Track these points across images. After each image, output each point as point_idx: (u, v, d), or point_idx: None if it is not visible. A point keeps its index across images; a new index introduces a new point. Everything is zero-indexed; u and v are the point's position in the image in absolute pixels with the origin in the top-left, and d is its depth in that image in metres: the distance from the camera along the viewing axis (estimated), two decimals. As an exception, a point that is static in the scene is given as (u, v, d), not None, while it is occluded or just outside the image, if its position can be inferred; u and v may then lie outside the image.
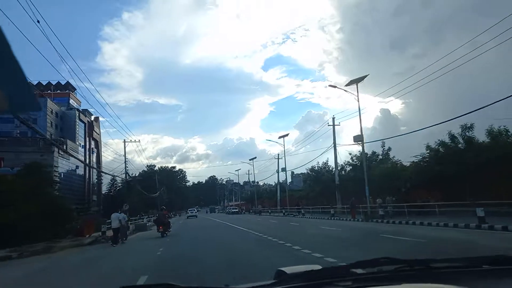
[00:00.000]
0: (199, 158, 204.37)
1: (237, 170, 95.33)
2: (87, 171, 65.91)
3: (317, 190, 42.88)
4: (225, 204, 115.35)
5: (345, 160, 39.13)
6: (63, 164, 56.28)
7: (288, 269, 1.53)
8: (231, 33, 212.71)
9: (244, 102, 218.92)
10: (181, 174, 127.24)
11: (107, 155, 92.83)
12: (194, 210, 67.92)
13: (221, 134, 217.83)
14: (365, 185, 27.49)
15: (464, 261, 1.55)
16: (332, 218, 30.98)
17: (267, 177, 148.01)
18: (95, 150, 73.96)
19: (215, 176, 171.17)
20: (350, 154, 37.46)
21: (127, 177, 45.54)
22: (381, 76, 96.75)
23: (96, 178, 70.31)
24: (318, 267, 1.53)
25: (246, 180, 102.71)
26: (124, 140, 43.94)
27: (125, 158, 43.31)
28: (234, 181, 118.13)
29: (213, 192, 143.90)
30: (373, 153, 36.49)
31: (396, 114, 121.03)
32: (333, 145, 36.96)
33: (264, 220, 34.80)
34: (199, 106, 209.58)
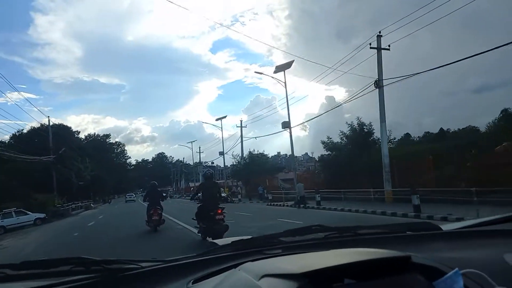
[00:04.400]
0: (144, 140, 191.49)
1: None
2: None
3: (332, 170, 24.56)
4: (180, 186, 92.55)
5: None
6: None
7: (220, 241, 1.57)
8: (178, 12, 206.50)
9: (191, 84, 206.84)
10: (119, 148, 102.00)
11: None
12: (133, 195, 61.63)
13: (167, 116, 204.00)
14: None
15: (389, 227, 1.63)
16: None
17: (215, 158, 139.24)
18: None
19: (164, 153, 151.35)
20: None
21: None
22: (328, 64, 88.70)
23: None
24: (249, 237, 1.53)
25: (197, 161, 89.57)
26: None
27: None
28: (183, 162, 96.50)
29: (161, 173, 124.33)
30: None
31: (340, 101, 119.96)
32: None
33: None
34: (143, 87, 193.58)
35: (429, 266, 0.95)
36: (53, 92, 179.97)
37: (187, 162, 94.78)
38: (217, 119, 45.18)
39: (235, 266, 1.09)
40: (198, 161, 63.91)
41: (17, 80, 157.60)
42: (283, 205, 24.30)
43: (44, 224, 23.38)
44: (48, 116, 40.21)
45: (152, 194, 13.36)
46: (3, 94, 61.14)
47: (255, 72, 50.69)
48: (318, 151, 33.71)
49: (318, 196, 20.29)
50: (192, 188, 51.69)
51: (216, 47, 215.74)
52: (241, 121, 40.81)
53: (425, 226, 1.62)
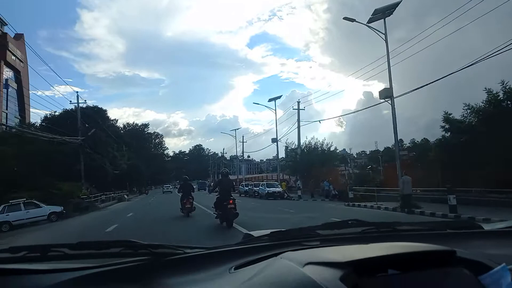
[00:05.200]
0: (181, 133, 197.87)
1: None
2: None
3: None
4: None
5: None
6: None
7: (256, 233, 1.57)
8: (215, 7, 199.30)
9: (227, 79, 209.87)
10: (157, 139, 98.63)
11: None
12: (170, 186, 61.35)
13: (203, 110, 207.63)
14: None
15: (429, 224, 1.67)
16: None
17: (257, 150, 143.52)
18: (12, 84, 44.61)
19: (201, 145, 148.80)
20: None
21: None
22: (367, 59, 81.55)
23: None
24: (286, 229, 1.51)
25: (233, 155, 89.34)
26: None
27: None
28: (224, 153, 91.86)
29: (199, 165, 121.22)
30: None
31: (378, 98, 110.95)
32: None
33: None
34: (181, 81, 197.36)
35: (474, 261, 0.93)
36: (97, 86, 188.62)
37: (225, 153, 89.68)
38: (269, 100, 38.81)
39: (275, 255, 1.08)
40: (241, 150, 57.67)
41: (64, 74, 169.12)
42: (376, 207, 17.45)
43: (61, 221, 18.16)
44: (77, 92, 35.19)
45: (184, 187, 15.76)
46: (52, 87, 59.20)
47: (344, 18, 19.92)
48: (356, 148, 29.93)
49: (453, 198, 12.75)
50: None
51: (253, 42, 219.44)
52: (298, 102, 34.18)
53: (466, 224, 1.70)
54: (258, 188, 31.59)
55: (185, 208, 14.80)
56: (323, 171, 29.75)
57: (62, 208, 18.77)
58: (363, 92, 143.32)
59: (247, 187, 36.56)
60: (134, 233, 10.89)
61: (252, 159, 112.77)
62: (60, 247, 1.19)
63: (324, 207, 20.06)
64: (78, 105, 33.33)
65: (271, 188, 29.23)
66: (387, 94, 17.90)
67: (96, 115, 42.23)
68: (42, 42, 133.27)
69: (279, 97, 37.86)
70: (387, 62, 18.22)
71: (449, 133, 16.67)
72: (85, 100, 35.52)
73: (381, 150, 67.51)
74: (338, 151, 33.05)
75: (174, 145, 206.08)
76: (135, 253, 1.20)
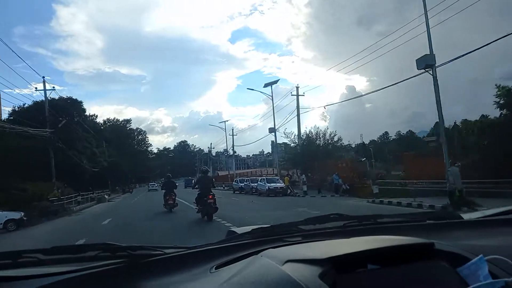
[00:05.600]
0: (164, 130, 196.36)
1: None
2: None
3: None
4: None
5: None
6: None
7: (239, 229, 1.55)
8: (196, 2, 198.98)
9: (210, 75, 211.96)
10: (140, 136, 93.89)
11: None
12: (155, 184, 58.49)
13: (187, 106, 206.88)
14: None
15: (409, 216, 1.62)
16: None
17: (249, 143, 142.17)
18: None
19: (186, 141, 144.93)
20: None
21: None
22: (348, 53, 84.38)
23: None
24: (269, 226, 1.51)
25: (219, 151, 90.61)
26: None
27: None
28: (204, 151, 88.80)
29: (184, 161, 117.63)
30: None
31: (361, 91, 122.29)
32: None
33: None
34: (163, 77, 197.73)
35: (452, 253, 0.95)
36: (76, 83, 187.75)
37: (213, 148, 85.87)
38: (265, 85, 35.44)
39: (256, 253, 1.08)
40: (231, 144, 53.91)
41: (42, 72, 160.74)
42: (416, 205, 14.01)
43: (23, 229, 14.33)
44: (43, 77, 30.42)
45: (167, 184, 17.26)
46: (30, 85, 55.78)
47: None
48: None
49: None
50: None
51: (235, 37, 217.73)
52: (297, 87, 30.89)
53: (445, 215, 1.63)
54: (256, 184, 28.10)
55: (167, 204, 15.87)
56: (328, 164, 26.63)
57: (22, 214, 14.96)
58: (345, 86, 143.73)
59: (242, 183, 33.08)
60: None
61: (239, 154, 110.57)
62: (33, 253, 1.15)
63: (344, 204, 16.82)
64: (45, 92, 28.88)
65: (272, 184, 25.77)
66: (427, 61, 14.45)
67: (71, 107, 37.84)
68: (18, 39, 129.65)
69: (276, 81, 34.35)
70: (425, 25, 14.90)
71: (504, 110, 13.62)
72: (54, 87, 30.87)
73: (367, 143, 65.88)
74: (341, 141, 29.91)
75: (158, 142, 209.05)
76: (113, 256, 1.16)
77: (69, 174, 33.35)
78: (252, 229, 1.42)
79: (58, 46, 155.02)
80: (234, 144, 54.91)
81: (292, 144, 31.25)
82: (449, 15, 16.66)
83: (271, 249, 1.07)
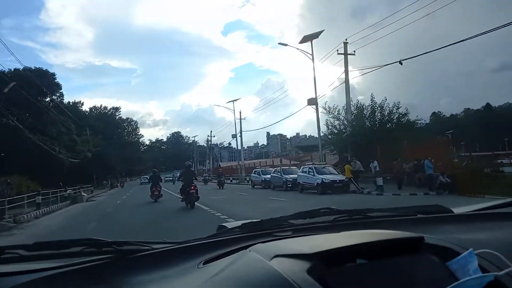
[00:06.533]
0: (156, 123, 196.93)
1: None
2: None
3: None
4: (206, 167, 74.71)
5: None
6: None
7: (229, 224, 1.54)
8: None
9: (202, 68, 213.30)
10: (130, 126, 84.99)
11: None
12: (147, 177, 51.80)
13: (179, 99, 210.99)
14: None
15: (400, 210, 1.59)
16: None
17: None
18: None
19: (179, 132, 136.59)
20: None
21: None
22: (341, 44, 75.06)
23: None
24: (258, 220, 1.50)
25: (213, 144, 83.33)
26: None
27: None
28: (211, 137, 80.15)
29: (178, 153, 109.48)
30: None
31: (353, 84, 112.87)
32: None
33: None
34: (155, 70, 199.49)
35: (442, 247, 0.94)
36: (66, 76, 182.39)
37: (214, 136, 77.39)
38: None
39: (245, 247, 1.08)
40: (239, 128, 45.62)
41: (31, 65, 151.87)
42: None
43: None
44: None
45: (153, 178, 20.09)
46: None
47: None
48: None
49: None
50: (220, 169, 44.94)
51: (227, 29, 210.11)
52: (345, 43, 22.74)
53: (436, 209, 1.56)
54: (298, 176, 20.06)
55: (153, 194, 18.37)
56: (404, 146, 18.83)
57: None
58: (337, 78, 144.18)
59: (270, 174, 25.01)
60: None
61: (232, 146, 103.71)
62: (14, 249, 1.10)
63: None
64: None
65: (327, 176, 17.97)
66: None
67: (39, 80, 28.83)
68: (7, 32, 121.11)
69: (319, 34, 24.84)
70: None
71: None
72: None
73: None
74: (409, 116, 22.13)
75: (149, 135, 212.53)
76: (99, 252, 1.13)
77: (40, 165, 25.12)
78: (242, 224, 1.41)
79: (48, 39, 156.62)
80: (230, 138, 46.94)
81: (337, 122, 23.44)
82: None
83: (260, 244, 1.05)
